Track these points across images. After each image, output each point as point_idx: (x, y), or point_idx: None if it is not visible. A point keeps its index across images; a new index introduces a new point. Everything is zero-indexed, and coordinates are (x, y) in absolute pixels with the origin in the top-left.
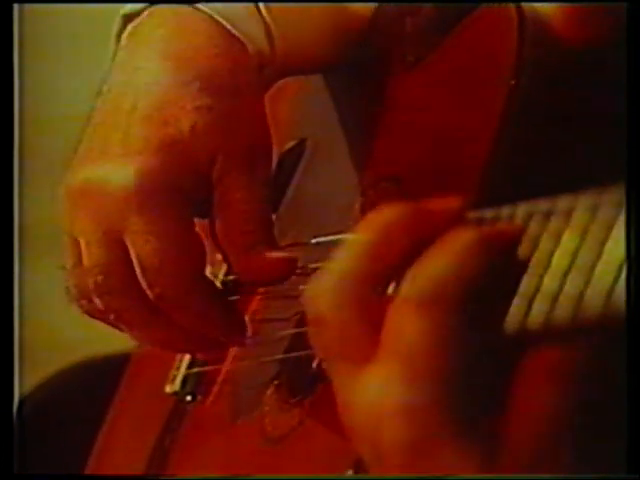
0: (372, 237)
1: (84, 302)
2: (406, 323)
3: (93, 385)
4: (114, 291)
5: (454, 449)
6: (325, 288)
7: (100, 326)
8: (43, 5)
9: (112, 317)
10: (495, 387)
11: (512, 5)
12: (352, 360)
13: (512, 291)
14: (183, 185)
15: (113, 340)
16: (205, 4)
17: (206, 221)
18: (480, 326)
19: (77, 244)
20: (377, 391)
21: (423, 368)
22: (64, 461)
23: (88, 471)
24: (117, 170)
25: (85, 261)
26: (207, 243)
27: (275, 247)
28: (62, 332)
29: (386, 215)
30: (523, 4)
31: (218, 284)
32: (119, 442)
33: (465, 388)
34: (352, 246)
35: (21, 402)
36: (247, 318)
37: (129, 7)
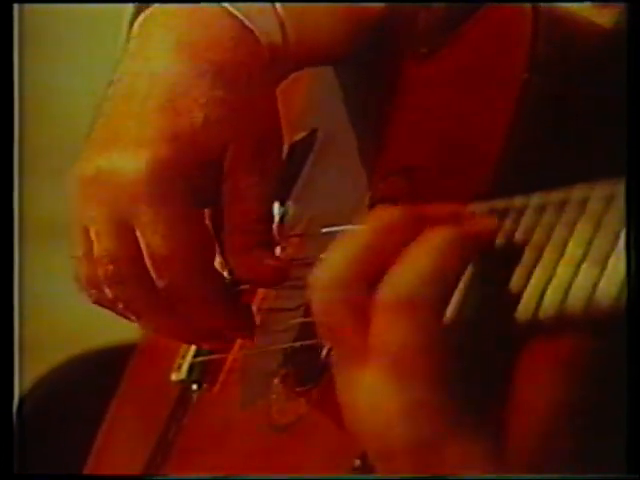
0: (366, 240)
1: (93, 291)
2: (389, 325)
3: (93, 380)
4: (124, 280)
5: (458, 446)
6: (321, 289)
7: (101, 319)
8: (43, 5)
9: (121, 306)
10: (498, 383)
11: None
12: (349, 360)
13: (504, 285)
14: (194, 176)
15: (114, 333)
16: None
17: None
18: (475, 323)
19: (87, 233)
20: (373, 392)
21: (412, 368)
22: (64, 459)
23: (89, 465)
24: (129, 159)
25: (95, 250)
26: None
27: (272, 251)
28: (63, 326)
29: (385, 217)
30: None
31: (226, 275)
32: (122, 432)
33: (464, 386)
34: (349, 245)
35: (21, 400)
36: (255, 309)
37: None
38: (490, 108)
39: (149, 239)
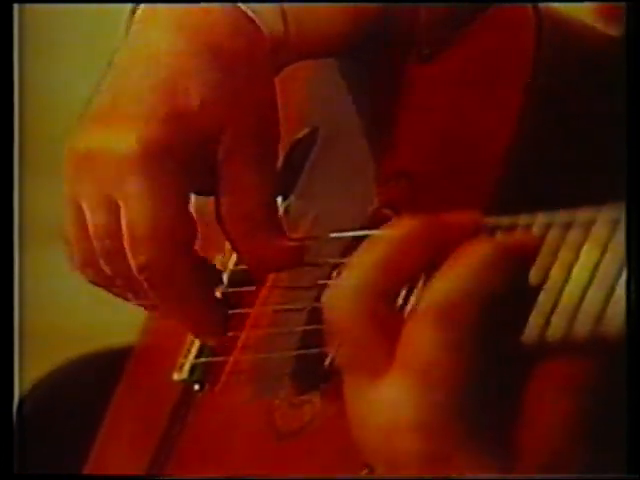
0: (388, 251)
1: (89, 270)
2: (423, 336)
3: (93, 381)
4: (123, 255)
5: (469, 462)
6: (341, 299)
7: (101, 320)
8: (43, 5)
9: (119, 283)
10: (509, 400)
11: (529, 4)
12: (365, 372)
13: (530, 303)
14: (185, 158)
15: (114, 333)
16: None
17: (209, 202)
18: (496, 338)
19: (80, 210)
20: (391, 404)
21: (439, 381)
22: (64, 460)
23: (89, 466)
24: (121, 135)
25: (90, 226)
26: (213, 228)
27: (281, 235)
28: (63, 326)
29: (402, 229)
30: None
31: (226, 275)
32: (123, 433)
33: (480, 401)
34: (368, 258)
35: (21, 400)
36: (258, 308)
37: None
38: (493, 112)
39: (131, 215)
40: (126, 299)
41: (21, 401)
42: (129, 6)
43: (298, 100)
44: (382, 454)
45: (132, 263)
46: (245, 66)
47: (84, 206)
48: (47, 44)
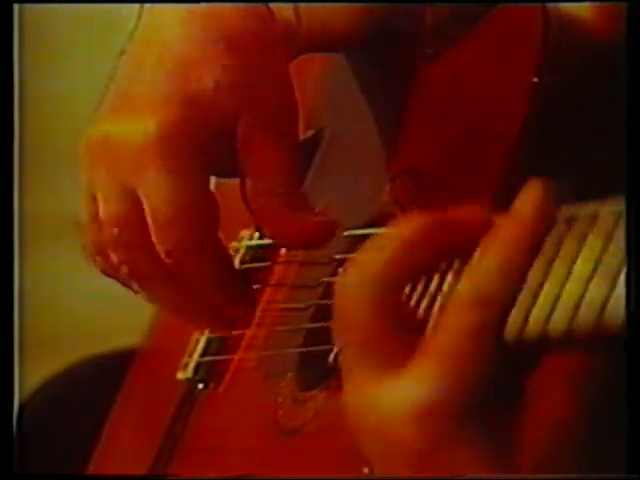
0: (399, 247)
1: (100, 258)
2: (456, 322)
3: (95, 384)
4: (129, 244)
5: (470, 454)
6: (352, 293)
7: (101, 320)
8: (43, 5)
9: (125, 271)
10: (512, 392)
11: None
12: (371, 363)
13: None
14: (203, 141)
15: (114, 333)
16: None
17: (232, 184)
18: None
19: (94, 199)
20: (396, 395)
21: (462, 369)
22: (66, 463)
23: (92, 466)
24: (137, 123)
25: (102, 215)
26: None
27: (311, 210)
28: (63, 326)
29: (413, 225)
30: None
31: (237, 261)
32: (126, 433)
33: (486, 392)
34: (379, 254)
35: (22, 401)
36: (263, 306)
37: None
38: (500, 109)
39: (153, 201)
40: (134, 291)
41: (22, 401)
42: (129, 6)
43: (306, 100)
44: (379, 445)
45: (159, 249)
46: (259, 50)
47: (98, 195)
48: (47, 44)
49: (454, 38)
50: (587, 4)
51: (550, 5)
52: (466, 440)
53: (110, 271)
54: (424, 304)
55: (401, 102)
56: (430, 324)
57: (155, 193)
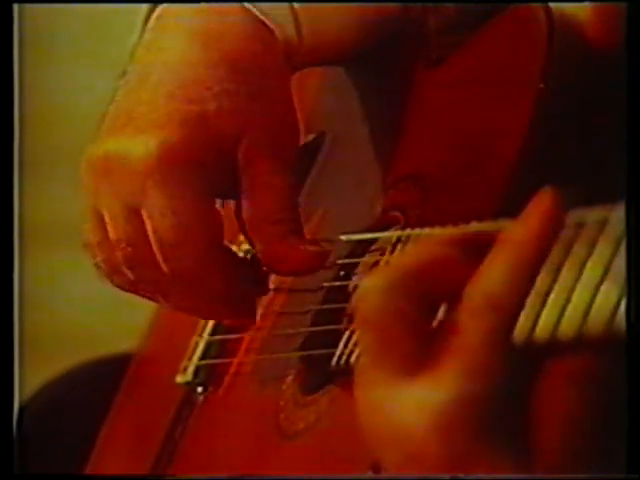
0: (421, 256)
1: (115, 277)
2: (467, 328)
3: (95, 387)
4: (142, 263)
5: (490, 463)
6: (372, 297)
7: (101, 320)
8: (43, 5)
9: (144, 287)
10: (525, 398)
11: (540, 6)
12: (392, 368)
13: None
14: (205, 162)
15: (114, 334)
16: None
17: (230, 204)
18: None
19: (102, 218)
20: (413, 402)
21: (476, 376)
22: (65, 465)
23: (90, 467)
24: (139, 143)
25: (111, 234)
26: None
27: (304, 238)
28: (63, 327)
29: (437, 237)
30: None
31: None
32: (125, 435)
33: (499, 399)
34: (402, 260)
35: (22, 402)
36: (263, 310)
37: None
38: (504, 114)
39: (156, 223)
40: (156, 302)
41: (22, 402)
42: (129, 6)
43: (308, 104)
44: (395, 451)
45: (164, 268)
46: (260, 71)
47: (105, 215)
48: (47, 44)
49: (457, 44)
50: (587, 4)
51: (553, 7)
52: (487, 450)
53: (128, 287)
54: (442, 309)
55: (403, 107)
56: (444, 330)
57: (157, 214)
